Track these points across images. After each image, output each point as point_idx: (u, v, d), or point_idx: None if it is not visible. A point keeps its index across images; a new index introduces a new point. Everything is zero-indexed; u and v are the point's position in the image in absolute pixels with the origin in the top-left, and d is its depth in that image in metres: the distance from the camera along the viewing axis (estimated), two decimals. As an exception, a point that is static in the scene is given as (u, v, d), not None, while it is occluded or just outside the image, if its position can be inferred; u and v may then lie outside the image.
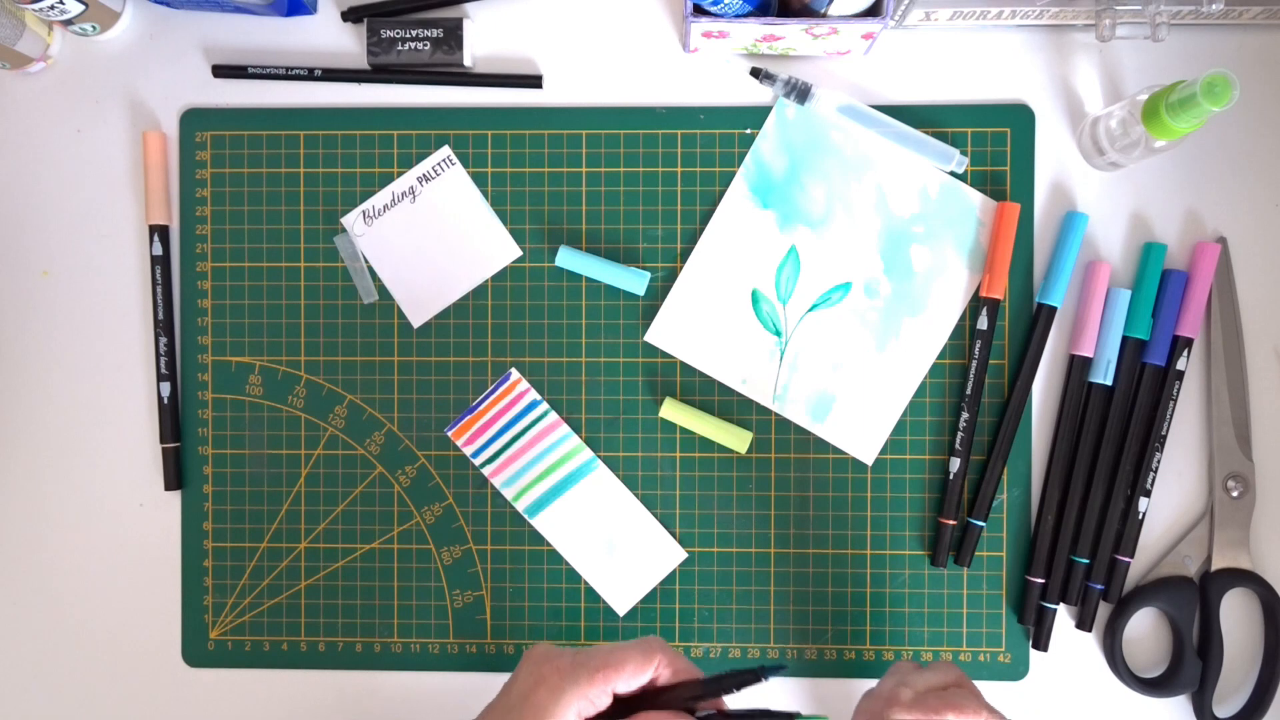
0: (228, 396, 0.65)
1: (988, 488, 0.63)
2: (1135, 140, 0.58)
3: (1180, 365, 0.62)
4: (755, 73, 0.62)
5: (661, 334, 0.64)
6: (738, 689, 0.51)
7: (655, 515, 0.64)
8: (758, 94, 0.64)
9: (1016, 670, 0.64)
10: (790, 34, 0.59)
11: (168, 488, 0.65)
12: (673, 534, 0.64)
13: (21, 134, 0.66)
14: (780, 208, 0.64)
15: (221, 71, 0.64)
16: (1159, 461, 0.62)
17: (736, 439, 0.63)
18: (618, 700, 0.52)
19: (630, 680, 0.50)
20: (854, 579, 0.64)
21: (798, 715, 0.51)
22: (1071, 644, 0.64)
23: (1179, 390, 0.62)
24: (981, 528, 0.63)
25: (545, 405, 0.64)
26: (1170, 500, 0.64)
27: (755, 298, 0.64)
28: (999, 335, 0.63)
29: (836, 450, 0.64)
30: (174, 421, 0.64)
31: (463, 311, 0.65)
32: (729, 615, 0.64)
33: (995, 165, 0.64)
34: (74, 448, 0.65)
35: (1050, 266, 0.63)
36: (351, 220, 0.65)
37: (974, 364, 0.62)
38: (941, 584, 0.64)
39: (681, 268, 0.64)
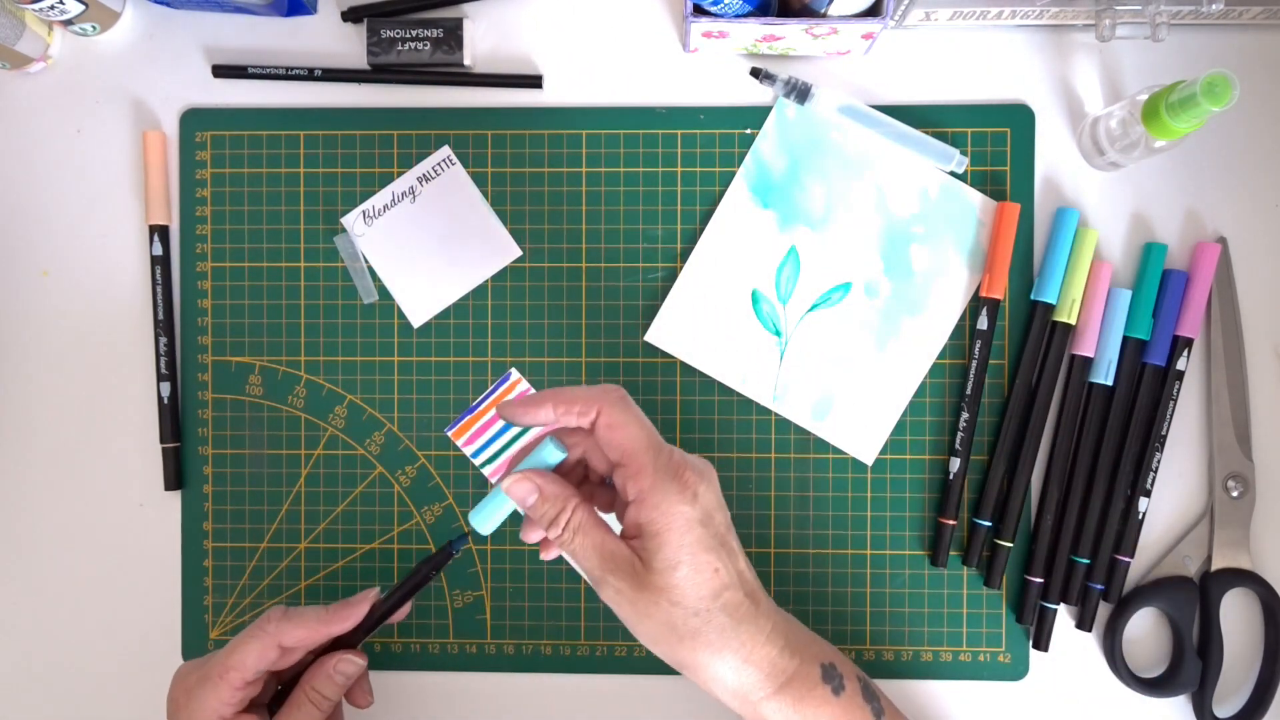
0: (228, 396, 0.65)
1: (989, 487, 0.63)
2: (1135, 140, 0.58)
3: (1180, 365, 0.62)
4: (755, 73, 0.62)
5: (661, 334, 0.64)
6: (436, 572, 0.56)
7: (655, 515, 0.64)
8: (758, 94, 0.64)
9: (1016, 670, 0.64)
10: (790, 34, 0.59)
11: (168, 488, 0.65)
12: (673, 534, 0.64)
13: (21, 134, 0.66)
14: (780, 208, 0.64)
15: (221, 71, 0.64)
16: (1159, 461, 0.62)
17: None
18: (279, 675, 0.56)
19: (258, 666, 0.53)
20: (854, 579, 0.64)
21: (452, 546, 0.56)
22: (1071, 644, 0.64)
23: (1179, 390, 0.62)
24: (986, 528, 0.63)
25: (545, 405, 0.64)
26: (1170, 500, 0.64)
27: (755, 298, 0.64)
28: (999, 335, 0.63)
29: (836, 450, 0.64)
30: (174, 421, 0.64)
31: (463, 311, 0.65)
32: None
33: (995, 165, 0.64)
34: (74, 448, 0.65)
35: (1043, 264, 0.63)
36: (351, 220, 0.65)
37: (974, 364, 0.62)
38: (941, 584, 0.64)
39: (681, 268, 0.64)
